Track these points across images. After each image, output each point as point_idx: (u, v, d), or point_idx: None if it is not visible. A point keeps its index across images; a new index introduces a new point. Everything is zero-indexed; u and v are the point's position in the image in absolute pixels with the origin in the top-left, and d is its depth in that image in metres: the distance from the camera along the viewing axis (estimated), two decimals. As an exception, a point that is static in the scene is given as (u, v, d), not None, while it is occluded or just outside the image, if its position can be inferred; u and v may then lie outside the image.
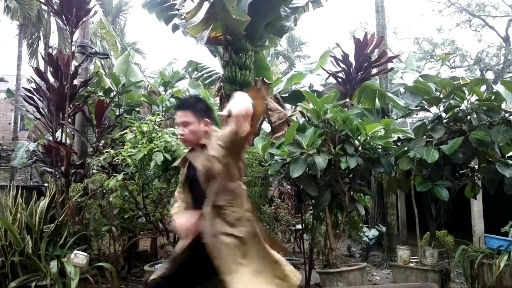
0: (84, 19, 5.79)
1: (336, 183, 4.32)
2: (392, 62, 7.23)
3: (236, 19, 5.51)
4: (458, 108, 4.48)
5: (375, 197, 7.49)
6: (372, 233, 6.75)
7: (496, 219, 4.84)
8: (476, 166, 4.49)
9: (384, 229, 6.69)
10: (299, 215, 5.62)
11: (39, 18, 14.76)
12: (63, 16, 5.60)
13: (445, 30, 20.88)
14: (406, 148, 4.54)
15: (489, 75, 18.99)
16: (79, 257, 4.02)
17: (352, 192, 4.48)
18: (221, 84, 6.60)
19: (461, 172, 4.72)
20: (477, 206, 6.12)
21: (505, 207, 5.13)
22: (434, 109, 5.03)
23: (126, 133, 4.44)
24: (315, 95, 5.05)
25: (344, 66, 5.94)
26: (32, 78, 6.02)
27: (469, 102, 4.37)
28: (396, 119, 7.50)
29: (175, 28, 7.15)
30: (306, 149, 4.06)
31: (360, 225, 5.28)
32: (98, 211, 4.71)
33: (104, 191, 4.56)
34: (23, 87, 6.45)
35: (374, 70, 6.29)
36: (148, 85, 9.84)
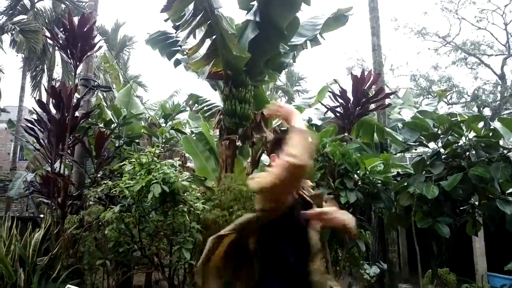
0: (88, 53, 5.93)
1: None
2: (390, 98, 7.33)
3: (236, 56, 5.63)
4: (456, 144, 4.50)
5: (375, 233, 7.37)
6: (373, 270, 6.58)
7: (499, 257, 4.75)
8: (477, 203, 4.45)
9: (385, 266, 6.54)
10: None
11: (44, 51, 15.08)
12: (68, 50, 5.74)
13: (442, 67, 21.31)
14: (405, 184, 4.52)
15: (486, 112, 19.21)
16: (72, 292, 3.92)
17: (352, 228, 4.41)
18: (221, 116, 6.66)
19: (461, 208, 4.68)
20: (479, 243, 6.02)
21: (507, 244, 5.04)
22: (432, 145, 5.06)
23: (124, 164, 4.43)
24: (314, 129, 5.09)
25: (342, 101, 6.02)
26: (34, 109, 6.08)
27: (467, 138, 4.40)
28: (395, 154, 7.51)
29: (177, 63, 7.30)
30: (305, 183, 4.03)
31: (361, 262, 5.17)
32: (93, 244, 4.63)
33: (100, 223, 4.50)
34: (25, 118, 6.51)
35: (372, 106, 6.36)
36: (148, 117, 9.92)
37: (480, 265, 5.91)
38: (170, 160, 4.81)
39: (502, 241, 5.31)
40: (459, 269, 4.73)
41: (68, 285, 3.99)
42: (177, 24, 6.06)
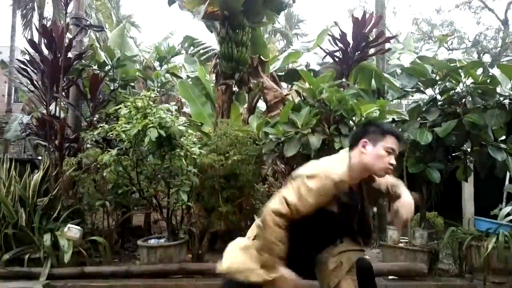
0: (78, -11, 5.67)
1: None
2: (390, 42, 7.16)
3: (233, -6, 5.41)
4: (453, 91, 4.48)
5: (367, 177, 7.55)
6: (363, 212, 6.85)
7: (486, 202, 4.91)
8: (469, 149, 4.52)
9: (375, 208, 6.77)
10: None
11: (33, -13, 14.41)
12: (57, -13, 5.48)
13: (444, 11, 20.70)
14: (400, 129, 4.55)
15: (486, 58, 18.92)
16: (73, 230, 4.07)
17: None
18: (217, 60, 6.53)
19: (453, 154, 4.75)
20: (468, 189, 6.20)
21: (495, 190, 5.20)
22: (429, 91, 5.03)
23: (120, 108, 4.41)
24: (312, 74, 5.03)
25: (341, 46, 5.88)
26: (26, 49, 5.92)
27: (465, 85, 4.37)
28: (392, 101, 7.49)
29: (172, 1, 7.00)
30: (301, 128, 4.07)
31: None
32: (92, 186, 4.73)
33: (98, 166, 4.56)
34: (17, 59, 6.36)
35: (372, 50, 6.24)
36: (143, 60, 9.72)
37: (468, 210, 6.13)
38: (166, 105, 4.80)
39: (490, 187, 5.47)
40: (448, 213, 4.91)
41: (69, 225, 4.14)
42: (171, -41, 5.75)
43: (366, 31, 5.81)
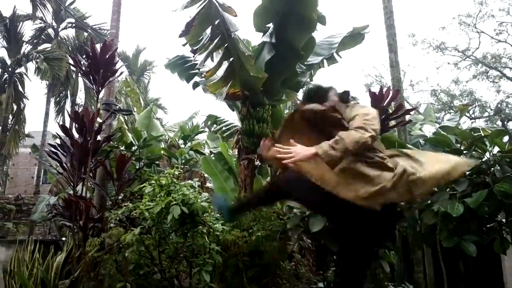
0: (110, 79, 6.10)
1: (358, 238, 4.16)
2: (410, 114, 7.23)
3: (253, 76, 5.69)
4: (480, 160, 4.38)
5: (400, 253, 7.15)
6: (399, 292, 6.37)
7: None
8: (504, 220, 4.29)
9: (411, 287, 6.32)
10: (321, 272, 5.39)
11: (67, 78, 15.60)
12: (91, 77, 5.92)
13: (462, 81, 20.98)
14: (429, 201, 4.40)
15: (511, 126, 18.74)
16: (93, 315, 3.92)
17: (376, 248, 4.30)
18: (239, 136, 6.69)
19: (488, 226, 4.51)
20: (508, 262, 5.78)
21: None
22: (455, 161, 4.93)
23: (144, 186, 4.47)
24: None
25: (361, 119, 5.96)
26: (58, 134, 6.25)
27: (491, 153, 4.28)
28: (417, 171, 7.34)
29: (196, 85, 7.42)
30: (325, 202, 3.98)
31: (386, 283, 5.01)
32: (113, 267, 4.64)
33: (121, 245, 4.51)
34: (48, 143, 6.70)
35: (392, 123, 6.28)
36: (168, 138, 10.08)
37: (510, 285, 5.66)
38: (189, 181, 4.84)
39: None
40: (489, 290, 4.53)
41: (89, 309, 4.00)
42: (195, 48, 6.18)
43: (384, 105, 5.91)
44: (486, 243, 4.28)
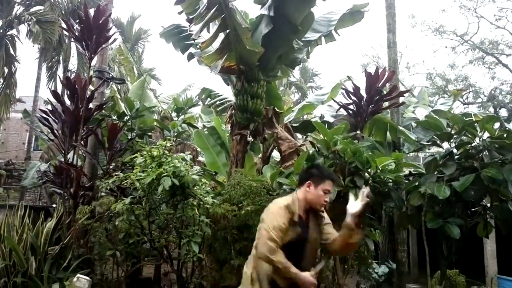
0: (103, 45, 5.99)
1: (344, 217, 4.23)
2: (404, 96, 7.24)
3: (249, 50, 5.62)
4: (470, 145, 4.43)
5: (385, 232, 7.32)
6: (382, 269, 6.57)
7: (510, 260, 4.67)
8: (489, 204, 4.38)
9: (394, 266, 6.51)
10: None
11: (60, 42, 15.22)
12: (83, 42, 5.80)
13: (458, 66, 20.89)
14: (417, 183, 4.47)
15: (503, 113, 18.85)
16: (82, 281, 3.99)
17: (361, 226, 4.38)
18: (233, 111, 6.66)
19: (473, 209, 4.61)
20: (490, 246, 5.94)
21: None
22: (446, 145, 4.99)
23: (136, 157, 4.47)
24: (326, 126, 5.06)
25: (355, 99, 5.97)
26: (49, 100, 6.17)
27: (481, 139, 4.33)
28: (408, 153, 7.43)
29: (191, 57, 7.31)
30: (315, 179, 4.02)
31: (370, 261, 5.14)
32: (103, 235, 4.69)
33: (111, 214, 4.55)
34: (40, 109, 6.62)
35: (386, 104, 6.29)
36: (161, 110, 9.99)
37: (491, 268, 5.82)
38: (181, 154, 4.85)
39: (514, 244, 5.24)
40: (469, 271, 4.68)
41: (78, 275, 4.06)
42: (191, 17, 6.06)
43: (379, 86, 5.91)
44: (470, 226, 4.39)
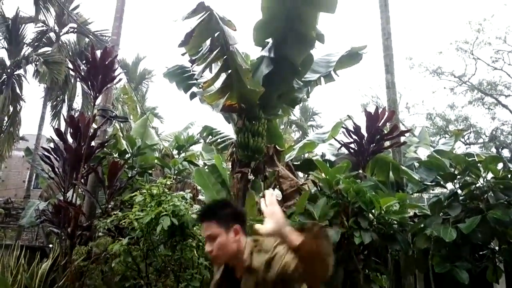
0: (108, 85, 6.09)
1: (349, 260, 4.11)
2: (405, 136, 7.25)
3: (250, 90, 5.70)
4: (474, 186, 4.37)
5: (392, 277, 7.07)
6: (388, 315, 6.28)
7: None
8: (497, 247, 4.26)
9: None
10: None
11: (65, 82, 15.54)
12: (89, 82, 5.90)
13: (458, 107, 21.15)
14: (422, 225, 4.37)
15: (505, 153, 18.86)
16: (74, 326, 3.82)
17: (367, 271, 4.24)
18: (234, 149, 6.66)
19: (481, 253, 4.47)
20: (500, 291, 5.71)
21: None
22: (450, 185, 4.93)
23: (135, 195, 4.41)
24: (327, 164, 5.03)
25: (356, 138, 5.96)
26: (52, 138, 6.19)
27: (485, 179, 4.28)
28: (412, 194, 7.33)
29: (193, 96, 7.42)
30: (318, 220, 3.94)
31: (376, 307, 4.94)
32: (99, 278, 4.55)
33: (108, 255, 4.43)
34: (42, 146, 6.62)
35: (387, 143, 6.28)
36: (162, 148, 10.02)
37: (502, 314, 5.58)
38: (181, 192, 4.79)
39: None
40: (480, 318, 4.47)
41: (71, 320, 3.90)
42: (194, 58, 6.20)
43: (379, 125, 5.92)
44: (479, 270, 4.24)
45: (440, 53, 21.26)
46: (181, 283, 4.03)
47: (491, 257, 4.25)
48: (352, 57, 7.10)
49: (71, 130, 5.65)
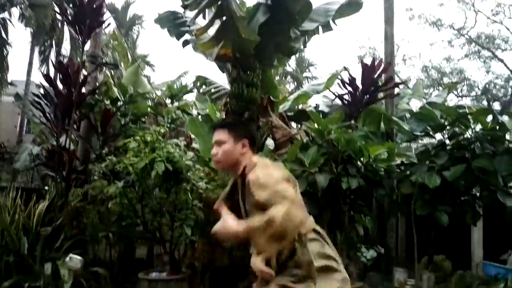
0: (96, 30, 5.92)
1: (336, 203, 4.29)
2: (399, 87, 7.27)
3: (245, 38, 5.58)
4: (462, 136, 4.49)
5: (375, 218, 7.40)
6: (371, 253, 6.64)
7: (496, 247, 4.79)
8: (478, 194, 4.46)
9: (382, 250, 6.59)
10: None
11: (52, 27, 15.02)
12: (76, 26, 5.73)
13: (454, 59, 20.99)
14: (408, 172, 4.53)
15: (496, 106, 19.03)
16: (74, 260, 4.00)
17: (352, 213, 4.44)
18: (228, 99, 6.64)
19: (462, 198, 4.68)
20: (477, 234, 6.04)
21: (504, 235, 5.07)
22: (438, 136, 5.05)
23: (129, 141, 4.45)
24: (321, 115, 5.09)
25: (350, 89, 5.99)
26: (41, 83, 6.10)
27: (474, 130, 4.39)
28: (401, 144, 7.49)
29: (186, 43, 7.24)
30: (308, 167, 4.06)
31: (359, 245, 5.22)
32: (96, 217, 4.70)
33: (104, 197, 4.55)
34: (32, 92, 6.55)
35: (381, 95, 6.32)
36: (155, 97, 9.93)
37: (477, 254, 5.94)
38: (175, 140, 4.84)
39: (499, 232, 5.33)
40: (456, 257, 4.79)
41: (71, 255, 4.07)
42: (187, 3, 6.00)
43: (375, 77, 5.93)
44: (458, 214, 4.47)
45: (441, 5, 20.78)
46: (176, 222, 4.20)
47: (471, 203, 4.47)
48: (351, 5, 6.91)
49: (61, 76, 5.56)
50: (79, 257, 4.07)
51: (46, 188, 7.00)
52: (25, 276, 3.97)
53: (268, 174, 1.76)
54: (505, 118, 5.67)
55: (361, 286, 4.48)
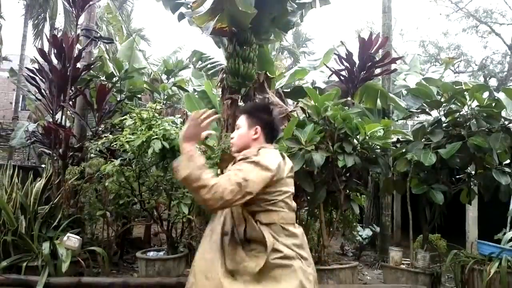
0: (90, 2, 5.78)
1: (332, 181, 4.32)
2: (396, 63, 7.20)
3: (242, 11, 5.48)
4: (458, 113, 4.48)
5: (371, 197, 7.50)
6: (366, 232, 6.77)
7: (490, 226, 4.87)
8: (473, 172, 4.49)
9: (378, 229, 6.72)
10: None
11: (46, -1, 14.69)
12: (70, -1, 5.58)
13: (451, 34, 20.82)
14: (404, 150, 4.55)
15: (493, 82, 18.96)
16: (72, 239, 4.05)
17: (348, 191, 4.48)
18: (224, 75, 6.57)
19: (457, 177, 4.72)
20: (472, 212, 6.14)
21: (500, 214, 5.15)
22: (435, 113, 5.04)
23: (125, 119, 4.43)
24: (317, 92, 5.04)
25: (347, 65, 5.92)
26: (36, 58, 6.00)
27: (470, 107, 4.37)
28: (397, 121, 7.49)
29: (181, 17, 7.10)
30: (305, 145, 4.06)
31: (354, 224, 5.31)
32: (93, 195, 4.73)
33: (101, 175, 4.57)
34: (26, 67, 6.43)
35: (378, 70, 6.26)
36: (151, 72, 9.82)
37: (472, 233, 6.06)
38: (171, 117, 4.81)
39: (494, 211, 5.41)
40: (451, 236, 4.86)
41: (68, 234, 4.12)
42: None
43: (372, 52, 5.85)
44: (453, 192, 4.52)
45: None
46: (173, 200, 4.23)
47: (466, 181, 4.51)
48: (348, -22, 6.76)
49: (55, 50, 5.45)
50: (76, 237, 4.12)
51: (43, 166, 7.01)
52: (23, 255, 4.01)
53: (259, 155, 1.83)
54: (501, 95, 5.67)
55: (356, 265, 4.56)
